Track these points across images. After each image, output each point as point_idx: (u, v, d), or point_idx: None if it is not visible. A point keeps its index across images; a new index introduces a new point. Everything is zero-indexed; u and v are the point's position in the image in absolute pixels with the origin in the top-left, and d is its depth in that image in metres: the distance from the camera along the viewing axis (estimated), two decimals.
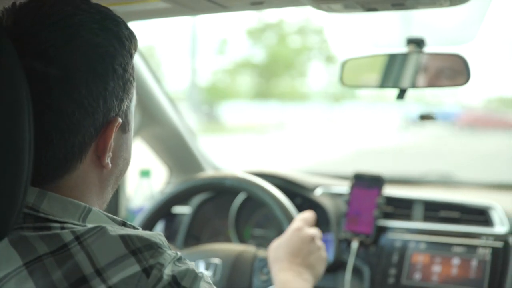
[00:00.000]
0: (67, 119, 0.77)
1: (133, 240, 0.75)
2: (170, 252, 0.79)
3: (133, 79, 0.87)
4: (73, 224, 0.78)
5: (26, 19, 0.77)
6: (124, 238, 0.75)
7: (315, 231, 1.35)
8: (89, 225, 0.77)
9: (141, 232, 0.78)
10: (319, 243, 1.35)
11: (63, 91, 0.77)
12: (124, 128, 0.88)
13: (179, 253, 0.80)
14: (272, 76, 18.05)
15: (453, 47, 1.46)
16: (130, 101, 0.88)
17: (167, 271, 0.75)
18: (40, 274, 0.72)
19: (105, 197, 0.90)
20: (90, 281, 0.72)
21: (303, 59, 19.08)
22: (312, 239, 1.33)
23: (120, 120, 0.84)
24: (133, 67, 0.87)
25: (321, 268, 1.34)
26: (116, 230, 0.76)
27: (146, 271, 0.74)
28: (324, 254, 1.35)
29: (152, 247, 0.76)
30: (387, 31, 1.58)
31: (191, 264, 0.80)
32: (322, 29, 18.24)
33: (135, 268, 0.73)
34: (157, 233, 0.80)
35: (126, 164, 0.92)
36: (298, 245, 1.32)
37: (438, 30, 1.51)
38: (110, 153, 0.85)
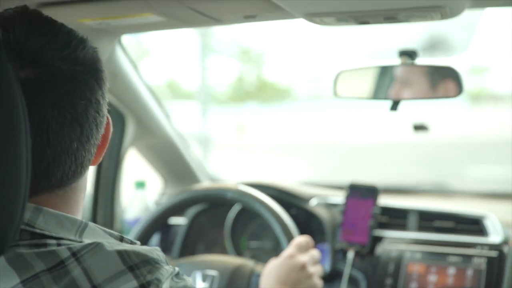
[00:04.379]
0: (89, 130, 0.81)
1: (130, 255, 0.75)
2: (168, 267, 0.78)
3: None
4: (70, 240, 0.77)
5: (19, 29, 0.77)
6: (121, 253, 0.75)
7: (307, 258, 1.34)
8: (86, 240, 0.77)
9: (138, 248, 0.77)
10: (312, 270, 1.34)
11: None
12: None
13: (176, 269, 0.80)
14: None
15: (445, 58, 1.47)
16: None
17: (165, 287, 0.75)
18: None
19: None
20: None
21: None
22: (302, 267, 1.32)
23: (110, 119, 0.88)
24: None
25: None
26: (113, 245, 0.76)
27: (144, 287, 0.73)
28: (316, 281, 1.34)
29: (150, 262, 0.76)
30: (379, 43, 1.59)
31: (189, 280, 0.80)
32: None
33: (133, 284, 0.73)
34: (155, 248, 0.80)
35: None
36: (287, 273, 1.31)
37: (430, 41, 1.51)
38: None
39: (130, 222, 1.99)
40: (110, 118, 0.88)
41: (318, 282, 1.35)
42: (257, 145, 13.47)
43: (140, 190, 2.03)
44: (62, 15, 0.83)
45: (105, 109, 0.85)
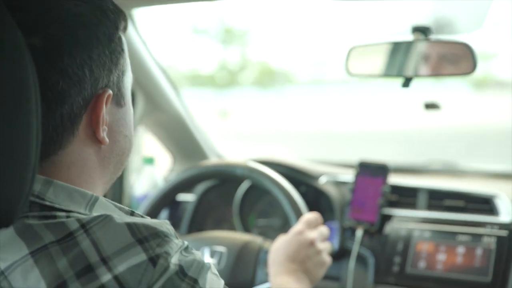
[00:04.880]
0: (52, 89, 0.77)
1: (139, 228, 0.75)
2: (177, 241, 0.78)
3: (122, 50, 0.86)
4: (79, 213, 0.77)
5: None
6: (130, 226, 0.75)
7: (316, 234, 1.34)
8: (96, 214, 0.77)
9: (148, 221, 0.77)
10: (320, 246, 1.33)
11: (45, 60, 0.76)
12: (118, 101, 0.87)
13: (186, 242, 0.79)
14: None
15: (459, 35, 1.45)
16: (123, 74, 0.87)
17: (174, 261, 0.74)
18: (46, 262, 0.72)
19: (108, 177, 0.89)
20: (95, 269, 0.71)
21: None
22: (311, 243, 1.31)
23: (110, 91, 0.83)
24: (120, 39, 0.86)
25: (320, 273, 1.33)
26: (122, 218, 0.76)
27: (153, 260, 0.73)
28: (325, 258, 1.33)
29: (159, 235, 0.75)
30: (392, 19, 1.57)
31: (198, 254, 0.79)
32: None
33: (142, 257, 0.73)
34: (164, 222, 0.79)
35: (128, 141, 0.90)
36: (296, 249, 1.31)
37: (444, 18, 1.49)
38: (106, 127, 0.84)
39: (138, 198, 1.99)
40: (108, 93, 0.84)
41: (327, 258, 1.34)
42: (239, 133, 12.67)
43: (149, 166, 2.03)
44: None
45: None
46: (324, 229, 1.37)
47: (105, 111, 0.83)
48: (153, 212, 1.59)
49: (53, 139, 0.79)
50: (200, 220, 2.04)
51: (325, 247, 1.35)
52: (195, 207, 2.03)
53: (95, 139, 0.84)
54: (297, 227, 1.35)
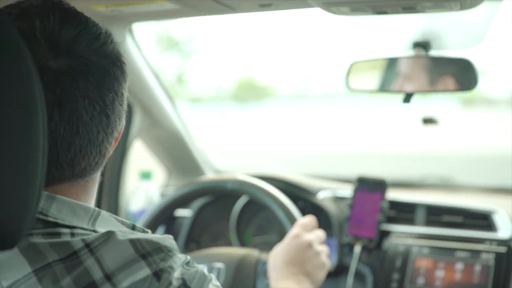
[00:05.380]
0: (113, 123, 0.82)
1: (142, 244, 0.75)
2: (180, 255, 0.78)
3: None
4: (82, 228, 0.77)
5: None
6: (133, 242, 0.75)
7: (313, 237, 1.33)
8: (99, 229, 0.77)
9: (150, 236, 0.77)
10: (318, 248, 1.32)
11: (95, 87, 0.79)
12: None
13: (188, 257, 0.80)
14: None
15: (459, 51, 1.46)
16: None
17: (177, 275, 0.75)
18: (50, 280, 0.72)
19: None
20: (99, 286, 0.71)
21: None
22: (309, 245, 1.31)
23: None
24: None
25: (320, 275, 1.32)
26: (125, 234, 0.76)
27: (157, 274, 0.73)
28: (324, 259, 1.33)
29: (162, 250, 0.76)
30: (393, 35, 1.58)
31: (200, 267, 0.79)
32: None
33: (146, 271, 0.73)
34: (167, 237, 0.79)
35: None
36: (295, 253, 1.30)
37: (445, 34, 1.50)
38: None
39: (135, 213, 1.97)
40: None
41: (326, 260, 1.33)
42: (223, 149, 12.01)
43: (146, 181, 2.01)
44: (75, 1, 0.81)
45: (125, 103, 0.86)
46: (320, 232, 1.36)
47: None
48: (151, 228, 1.57)
49: (95, 161, 0.82)
50: (197, 236, 2.03)
51: (323, 249, 1.34)
52: (192, 222, 2.02)
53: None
54: (294, 230, 1.34)
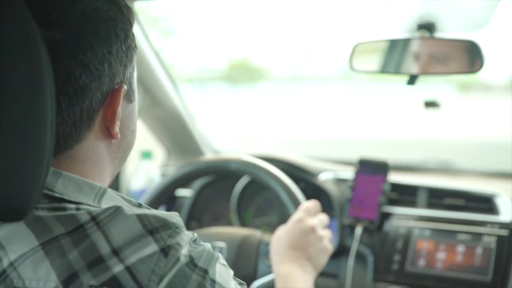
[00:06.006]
0: (74, 83, 0.76)
1: (150, 219, 0.74)
2: (188, 232, 0.77)
3: (135, 46, 0.87)
4: (88, 205, 0.77)
5: None
6: (141, 217, 0.74)
7: (316, 221, 1.33)
8: (104, 206, 0.76)
9: (158, 212, 0.77)
10: (321, 232, 1.33)
11: (69, 54, 0.76)
12: (129, 97, 0.87)
13: (195, 234, 0.79)
14: None
15: (463, 34, 1.45)
16: (133, 69, 0.87)
17: (184, 252, 0.74)
18: (57, 254, 0.71)
19: (113, 171, 0.90)
20: (107, 260, 0.71)
21: None
22: (312, 230, 1.31)
23: (125, 87, 0.84)
24: (133, 35, 0.86)
25: (322, 259, 1.32)
26: (132, 209, 0.75)
27: (164, 251, 0.72)
28: (326, 244, 1.33)
29: (170, 227, 0.75)
30: (397, 17, 1.56)
31: (207, 245, 0.79)
32: None
33: (153, 247, 0.72)
34: (174, 214, 0.79)
35: (133, 136, 0.91)
36: (297, 237, 1.30)
37: (449, 16, 1.49)
38: (119, 122, 0.84)
39: (135, 192, 1.97)
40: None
41: (329, 244, 1.34)
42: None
43: (146, 160, 2.01)
44: None
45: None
46: (323, 216, 1.36)
47: (120, 105, 0.83)
48: (153, 206, 1.57)
49: (71, 133, 0.79)
50: (197, 216, 2.03)
51: (326, 234, 1.34)
52: (192, 202, 2.02)
53: (108, 134, 0.84)
54: (297, 215, 1.34)
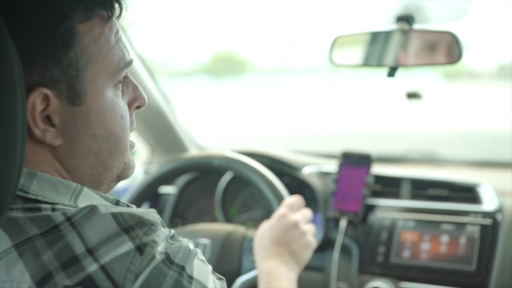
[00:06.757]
0: None
1: (125, 217, 0.73)
2: (164, 229, 0.77)
3: (68, 44, 0.77)
4: (64, 205, 0.76)
5: None
6: (116, 216, 0.73)
7: (299, 216, 1.33)
8: (81, 205, 0.75)
9: (134, 210, 0.76)
10: (305, 227, 1.33)
11: None
12: (71, 100, 0.79)
13: (172, 231, 0.78)
14: None
15: (443, 24, 1.44)
16: (75, 70, 0.78)
17: (160, 249, 0.73)
18: (30, 255, 0.71)
19: (88, 179, 0.84)
20: (81, 260, 0.70)
21: None
22: (295, 225, 1.31)
23: (46, 90, 0.77)
24: (68, 31, 0.77)
25: (306, 254, 1.32)
26: (108, 208, 0.74)
27: (140, 248, 0.72)
28: (310, 239, 1.33)
29: (145, 224, 0.74)
30: (376, 9, 1.56)
31: (184, 241, 0.78)
32: None
33: (128, 245, 0.71)
34: (151, 211, 0.78)
35: (102, 141, 0.83)
36: (281, 232, 1.30)
37: (428, 7, 1.49)
38: (50, 128, 0.78)
39: (119, 190, 1.96)
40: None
41: (312, 239, 1.34)
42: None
43: None
44: None
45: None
46: (307, 211, 1.36)
47: (52, 110, 0.78)
48: (136, 204, 1.56)
49: None
50: (182, 213, 2.02)
51: (310, 229, 1.34)
52: (176, 199, 2.02)
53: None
54: (280, 210, 1.34)
